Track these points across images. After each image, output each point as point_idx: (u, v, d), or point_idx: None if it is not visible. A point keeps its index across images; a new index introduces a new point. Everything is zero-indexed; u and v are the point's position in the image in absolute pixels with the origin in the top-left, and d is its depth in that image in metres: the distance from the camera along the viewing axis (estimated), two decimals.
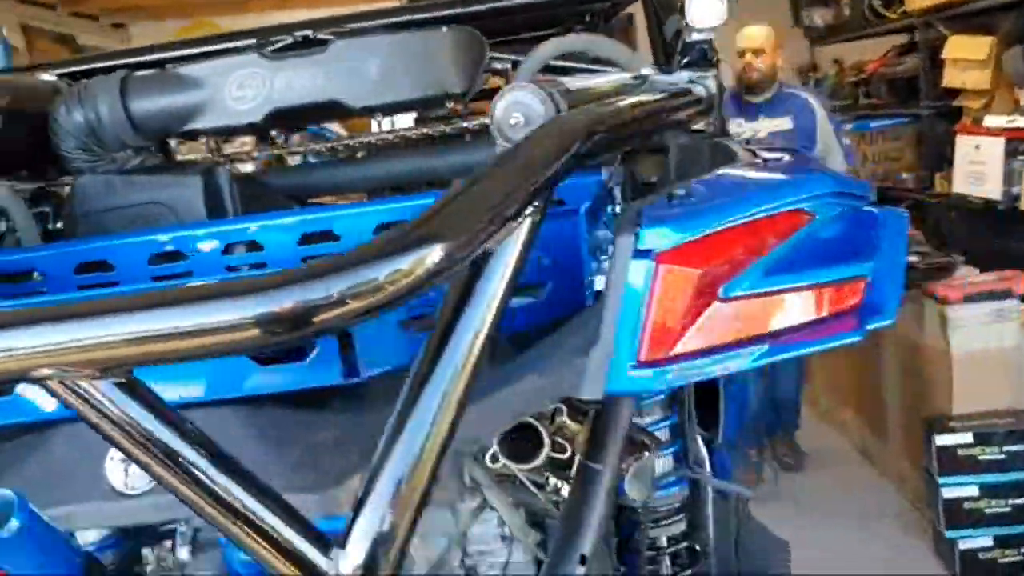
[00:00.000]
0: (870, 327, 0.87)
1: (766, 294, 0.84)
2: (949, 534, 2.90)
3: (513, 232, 0.67)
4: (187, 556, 1.24)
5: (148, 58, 1.55)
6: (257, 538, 0.63)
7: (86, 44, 5.54)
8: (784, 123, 3.54)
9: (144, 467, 0.62)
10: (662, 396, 1.37)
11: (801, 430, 4.05)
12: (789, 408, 3.95)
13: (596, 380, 0.82)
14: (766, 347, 0.83)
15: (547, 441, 1.12)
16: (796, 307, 0.85)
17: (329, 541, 0.64)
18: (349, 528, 0.64)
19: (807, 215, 0.89)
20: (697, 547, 1.52)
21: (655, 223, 0.82)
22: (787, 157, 1.11)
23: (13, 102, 1.40)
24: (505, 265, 0.68)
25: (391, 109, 1.49)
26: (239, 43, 1.53)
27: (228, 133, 1.47)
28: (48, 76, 1.57)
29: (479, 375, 0.67)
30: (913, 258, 3.56)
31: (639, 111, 0.92)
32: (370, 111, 1.42)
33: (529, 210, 0.68)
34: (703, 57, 1.26)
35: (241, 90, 1.36)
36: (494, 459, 1.15)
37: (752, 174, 1.03)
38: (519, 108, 0.84)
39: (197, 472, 0.62)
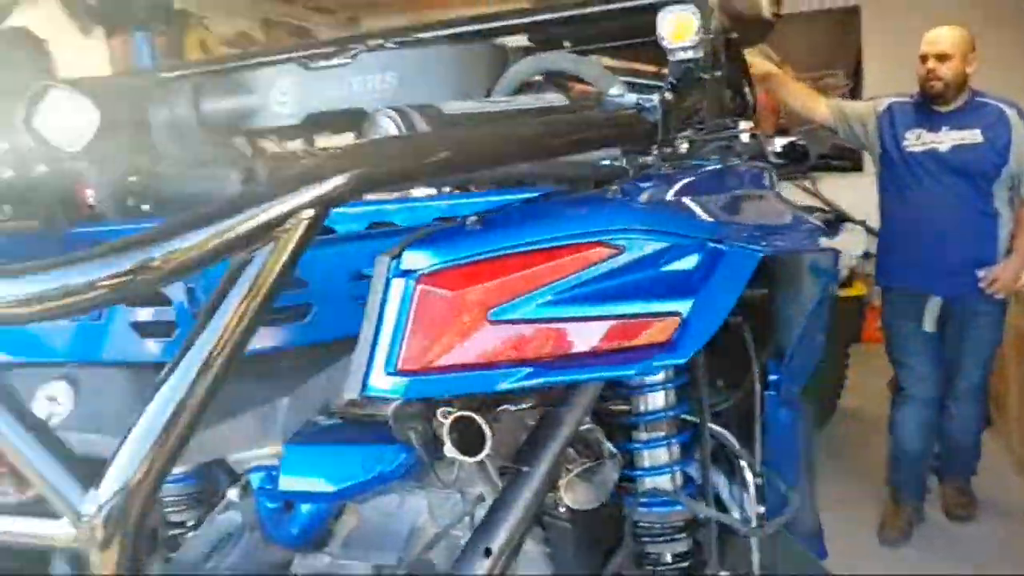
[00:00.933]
0: (657, 364, 0.86)
1: (542, 321, 0.86)
2: None
3: (271, 242, 0.77)
4: (235, 497, 1.46)
5: (250, 62, 1.77)
6: (33, 471, 0.79)
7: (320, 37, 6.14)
8: (972, 136, 3.18)
9: None
10: (669, 415, 1.39)
11: (986, 478, 3.66)
12: (965, 450, 3.56)
13: (355, 381, 0.90)
14: (530, 370, 0.85)
15: (488, 435, 1.19)
16: (577, 337, 0.87)
17: (87, 485, 0.78)
18: (102, 475, 0.77)
19: (610, 248, 0.89)
20: (707, 568, 1.51)
21: (418, 246, 0.87)
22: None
23: (117, 100, 1.66)
24: (263, 268, 0.78)
25: None
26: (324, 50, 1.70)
27: (277, 134, 1.66)
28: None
29: (233, 364, 0.79)
30: None
31: (506, 134, 0.95)
32: None
33: (292, 221, 0.77)
34: (687, 76, 1.24)
35: (284, 96, 1.53)
36: (448, 450, 1.23)
37: (570, 203, 1.02)
38: (378, 131, 0.92)
39: None
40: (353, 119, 1.53)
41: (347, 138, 2.13)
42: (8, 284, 0.75)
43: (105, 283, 0.74)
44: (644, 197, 1.06)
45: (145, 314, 1.06)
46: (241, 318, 0.78)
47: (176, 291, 1.02)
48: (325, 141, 1.85)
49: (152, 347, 1.07)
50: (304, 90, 1.52)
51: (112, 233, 1.49)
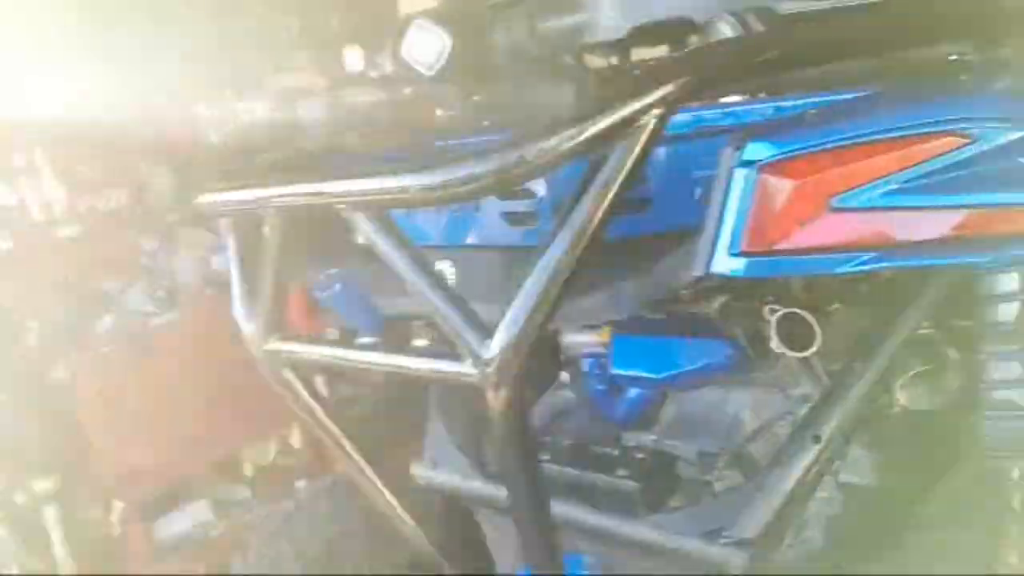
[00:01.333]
0: (1014, 253, 0.85)
1: (887, 209, 0.88)
2: None
3: (627, 137, 0.91)
4: (568, 379, 1.66)
5: None
6: (448, 324, 1.03)
7: None
8: None
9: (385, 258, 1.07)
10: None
11: None
12: None
13: (700, 261, 1.00)
14: (873, 255, 0.89)
15: (818, 332, 1.24)
16: (924, 225, 0.88)
17: (486, 333, 1.00)
18: (496, 327, 0.98)
19: (961, 138, 0.88)
20: None
21: (760, 138, 0.94)
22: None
23: (462, 26, 1.86)
24: (617, 163, 0.91)
25: None
26: None
27: (600, 49, 1.75)
28: None
29: (597, 241, 0.94)
30: None
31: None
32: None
33: (642, 120, 0.89)
34: None
35: (611, 11, 1.62)
36: (776, 345, 1.30)
37: (916, 94, 0.99)
38: (716, 35, 1.00)
39: (415, 274, 1.05)
40: (674, 30, 1.59)
41: (662, 51, 2.19)
42: (418, 177, 0.97)
43: (489, 176, 0.93)
44: (1000, 86, 1.03)
45: (513, 206, 1.25)
46: (596, 209, 0.93)
47: (539, 186, 1.20)
48: (641, 54, 1.93)
49: (518, 234, 1.26)
50: (629, 3, 1.60)
51: (464, 144, 1.70)
